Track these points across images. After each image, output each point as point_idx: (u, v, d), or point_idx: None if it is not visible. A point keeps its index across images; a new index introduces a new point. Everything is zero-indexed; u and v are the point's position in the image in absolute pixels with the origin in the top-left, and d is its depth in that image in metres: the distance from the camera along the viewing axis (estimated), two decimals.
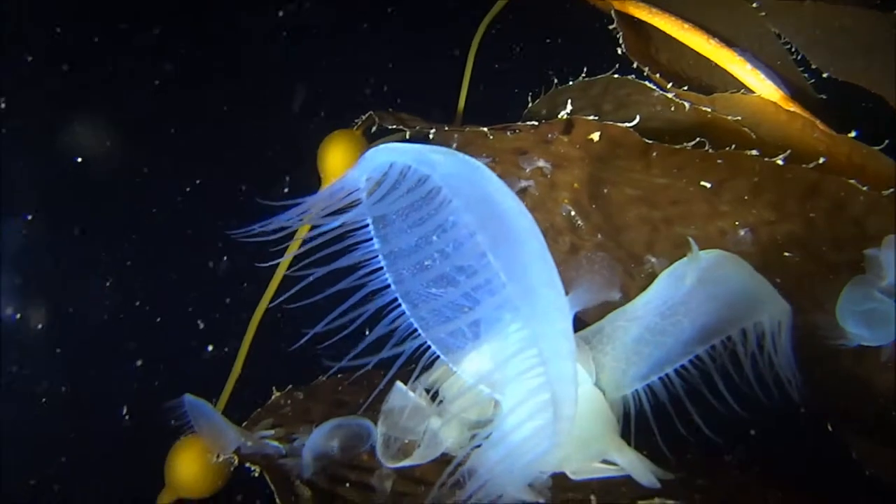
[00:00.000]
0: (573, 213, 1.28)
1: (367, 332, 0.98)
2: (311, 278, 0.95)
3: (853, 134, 1.13)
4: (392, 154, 0.94)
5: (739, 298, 1.07)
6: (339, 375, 1.25)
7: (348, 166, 1.34)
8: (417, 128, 1.19)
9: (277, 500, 0.97)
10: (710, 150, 1.04)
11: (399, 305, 1.02)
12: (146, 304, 1.54)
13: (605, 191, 1.20)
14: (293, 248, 1.15)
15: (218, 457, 1.11)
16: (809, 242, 1.12)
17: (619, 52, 1.37)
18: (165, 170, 1.60)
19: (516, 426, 0.91)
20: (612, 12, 1.40)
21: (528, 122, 1.11)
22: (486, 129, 1.13)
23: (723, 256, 1.10)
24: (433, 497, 0.93)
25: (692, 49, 1.39)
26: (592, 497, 0.96)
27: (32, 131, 1.50)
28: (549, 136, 1.13)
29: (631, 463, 1.01)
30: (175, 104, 1.60)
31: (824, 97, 1.34)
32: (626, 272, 1.30)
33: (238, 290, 1.48)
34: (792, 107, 1.26)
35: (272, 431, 1.12)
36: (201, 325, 1.54)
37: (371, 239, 1.02)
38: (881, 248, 1.03)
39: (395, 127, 1.22)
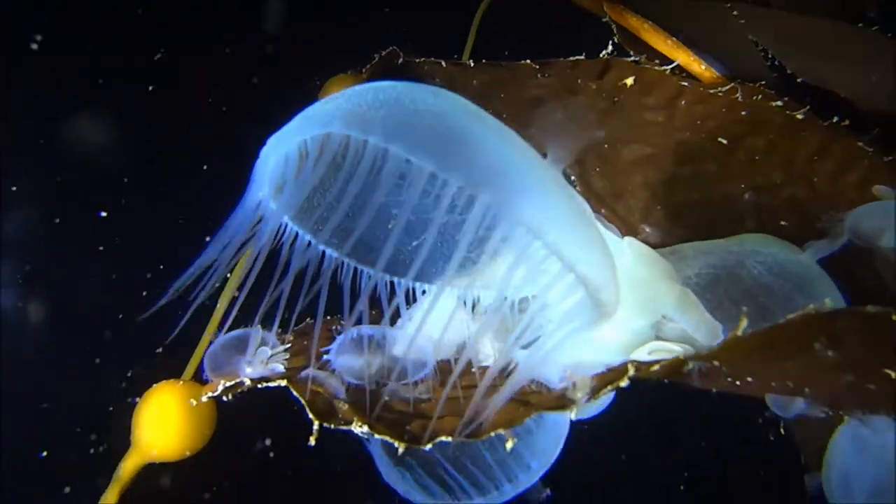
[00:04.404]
0: (573, 177, 1.29)
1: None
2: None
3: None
4: (288, 138, 0.83)
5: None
6: (327, 317, 1.14)
7: None
8: (443, 62, 1.16)
9: (311, 416, 0.87)
10: (740, 98, 1.08)
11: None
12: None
13: (615, 149, 1.22)
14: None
15: (199, 399, 0.99)
16: (808, 208, 1.17)
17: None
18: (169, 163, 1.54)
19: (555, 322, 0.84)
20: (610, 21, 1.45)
21: (570, 59, 1.10)
22: (528, 61, 1.11)
23: None
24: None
25: None
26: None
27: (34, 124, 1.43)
28: (578, 81, 1.14)
29: (696, 317, 0.91)
30: (178, 100, 1.54)
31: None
32: None
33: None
34: None
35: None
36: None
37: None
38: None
39: (421, 60, 1.17)
